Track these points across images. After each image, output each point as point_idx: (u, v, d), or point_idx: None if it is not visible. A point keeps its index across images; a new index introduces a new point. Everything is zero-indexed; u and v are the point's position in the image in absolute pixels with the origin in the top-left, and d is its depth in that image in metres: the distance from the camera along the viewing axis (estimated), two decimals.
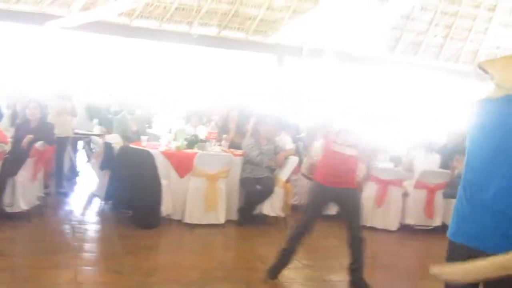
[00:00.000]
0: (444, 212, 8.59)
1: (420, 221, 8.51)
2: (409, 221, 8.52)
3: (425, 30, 14.19)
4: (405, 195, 8.53)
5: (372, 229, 8.29)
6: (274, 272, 5.52)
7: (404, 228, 8.48)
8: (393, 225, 8.42)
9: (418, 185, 8.44)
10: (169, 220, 7.40)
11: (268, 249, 5.56)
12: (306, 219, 5.64)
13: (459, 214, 3.06)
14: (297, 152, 8.82)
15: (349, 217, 5.59)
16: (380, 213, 8.39)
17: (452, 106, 14.57)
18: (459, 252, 3.04)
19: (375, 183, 8.42)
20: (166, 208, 7.34)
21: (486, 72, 3.11)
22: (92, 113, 11.32)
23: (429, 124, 11.20)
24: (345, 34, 13.37)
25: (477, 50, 14.86)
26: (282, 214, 8.00)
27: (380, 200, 8.37)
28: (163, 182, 7.31)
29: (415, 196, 8.46)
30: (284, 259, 5.56)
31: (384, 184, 8.39)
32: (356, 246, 5.56)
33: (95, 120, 11.41)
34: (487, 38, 14.73)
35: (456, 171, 8.75)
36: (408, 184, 8.55)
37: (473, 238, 2.99)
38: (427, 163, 8.59)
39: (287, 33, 13.15)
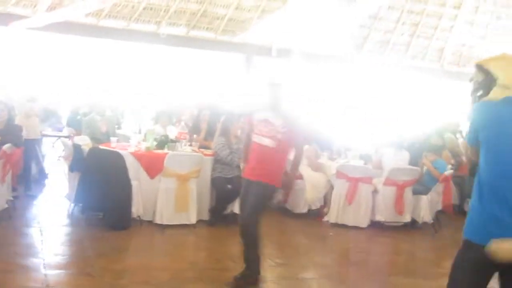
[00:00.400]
0: (414, 208, 8.70)
1: (390, 217, 8.60)
2: (379, 217, 8.59)
3: (392, 28, 14.35)
4: (375, 192, 8.61)
5: (343, 226, 8.36)
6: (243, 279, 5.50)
7: (375, 225, 8.56)
8: (364, 222, 8.48)
9: (388, 182, 8.52)
10: (139, 221, 7.35)
11: (240, 248, 5.55)
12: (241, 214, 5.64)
13: (485, 217, 3.00)
14: None
15: (243, 205, 5.48)
16: (350, 211, 8.45)
17: (420, 103, 14.77)
18: (484, 254, 2.97)
19: (346, 180, 8.48)
20: (137, 209, 7.29)
21: (485, 72, 3.15)
22: (45, 114, 11.18)
23: (398, 122, 11.33)
24: (314, 33, 13.45)
25: (443, 48, 15.09)
26: None
27: (350, 197, 8.43)
28: (133, 183, 7.26)
29: (384, 193, 8.54)
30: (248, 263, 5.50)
31: (354, 182, 8.46)
32: (242, 235, 5.39)
33: (48, 122, 11.25)
34: (453, 36, 14.97)
35: (425, 168, 8.88)
36: (378, 182, 8.63)
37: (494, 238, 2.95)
38: (396, 160, 8.69)
39: (256, 32, 13.17)
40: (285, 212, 8.87)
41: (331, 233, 8.15)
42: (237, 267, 5.58)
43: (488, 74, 3.15)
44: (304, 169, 8.88)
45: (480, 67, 3.19)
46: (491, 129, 3.02)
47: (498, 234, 2.90)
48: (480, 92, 3.20)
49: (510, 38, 15.50)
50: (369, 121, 12.83)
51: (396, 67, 14.65)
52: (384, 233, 8.36)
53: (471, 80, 3.32)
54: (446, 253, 7.62)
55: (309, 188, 8.72)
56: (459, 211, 9.51)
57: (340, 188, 8.51)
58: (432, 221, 8.72)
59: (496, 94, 3.06)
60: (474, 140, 3.09)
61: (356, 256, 7.33)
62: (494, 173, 2.98)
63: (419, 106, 14.53)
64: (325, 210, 8.78)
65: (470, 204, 3.09)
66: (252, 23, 12.96)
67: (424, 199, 8.65)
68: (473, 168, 3.25)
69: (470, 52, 15.50)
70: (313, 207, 8.87)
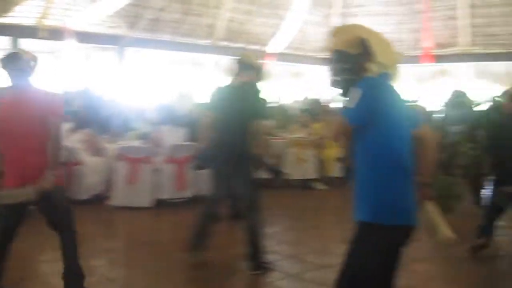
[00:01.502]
0: (195, 183, 8.92)
1: (174, 194, 8.74)
2: (163, 195, 8.70)
3: (163, 6, 14.39)
4: (156, 170, 8.68)
5: (127, 208, 8.32)
6: None
7: (159, 203, 8.65)
8: (148, 202, 8.54)
9: (168, 160, 8.65)
10: None
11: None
12: None
13: (395, 195, 2.98)
14: None
15: None
16: (133, 192, 8.43)
17: (193, 79, 15.08)
18: (399, 235, 3.01)
19: (127, 162, 8.44)
20: None
21: (365, 46, 3.04)
22: None
23: (172, 98, 11.46)
24: (86, 12, 13.03)
25: (213, 24, 15.52)
26: None
27: (132, 178, 8.41)
28: None
29: (166, 170, 8.66)
30: None
31: (135, 163, 8.45)
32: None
33: None
34: (222, 13, 15.47)
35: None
36: (159, 160, 8.71)
37: (413, 216, 3.03)
38: (175, 137, 8.83)
39: (22, 13, 12.40)
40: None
41: None
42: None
43: (368, 49, 3.04)
44: (82, 154, 8.67)
45: (363, 41, 3.04)
46: (393, 106, 2.99)
47: (411, 208, 3.01)
48: (350, 66, 3.07)
49: (276, 13, 16.48)
50: (147, 99, 12.78)
51: (169, 44, 14.78)
52: (169, 210, 8.48)
53: (336, 49, 3.14)
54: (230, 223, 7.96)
55: (89, 173, 8.53)
56: None
57: (122, 170, 8.46)
58: None
59: (376, 70, 3.01)
60: (365, 119, 2.93)
61: (144, 236, 7.33)
62: (399, 150, 2.98)
63: (194, 82, 14.84)
64: (108, 193, 8.66)
65: (371, 188, 2.99)
66: (18, 3, 12.15)
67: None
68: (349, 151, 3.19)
69: (239, 28, 16.16)
70: (95, 192, 8.70)
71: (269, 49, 16.93)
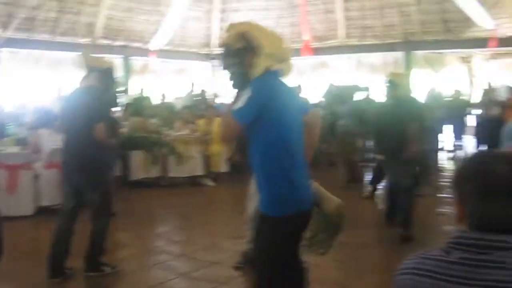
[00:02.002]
0: None
1: (57, 200, 8.45)
2: (45, 202, 8.41)
3: (38, 5, 13.91)
4: (36, 177, 8.38)
5: (6, 218, 7.92)
6: None
7: (42, 211, 8.35)
8: (29, 210, 8.22)
9: (48, 165, 8.36)
10: None
11: None
12: None
13: (290, 186, 3.04)
14: None
15: None
16: (12, 200, 8.06)
17: (73, 80, 14.68)
18: (295, 221, 3.08)
19: (4, 169, 8.08)
20: None
21: (248, 40, 3.09)
22: None
23: (50, 101, 11.12)
24: None
25: (91, 22, 15.18)
26: None
27: (11, 187, 8.06)
28: None
29: (46, 176, 8.37)
30: None
31: (13, 169, 8.11)
32: None
33: None
34: (101, 10, 15.16)
35: None
36: (38, 166, 8.41)
37: (306, 201, 3.13)
38: (54, 141, 8.53)
39: None
40: None
41: None
42: None
43: (250, 42, 3.09)
44: None
45: (243, 35, 3.11)
46: (281, 100, 3.06)
47: (304, 194, 3.11)
48: (236, 60, 3.13)
49: (157, 10, 16.36)
50: (24, 102, 12.31)
51: (46, 44, 14.31)
52: (52, 217, 8.15)
53: (223, 45, 3.22)
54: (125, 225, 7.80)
55: None
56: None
57: None
58: None
59: (265, 63, 3.07)
60: (254, 115, 2.99)
61: (24, 247, 7.04)
62: (289, 140, 3.07)
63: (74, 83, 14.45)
64: None
65: (264, 182, 3.09)
66: None
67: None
68: (244, 147, 3.26)
69: (119, 25, 15.91)
70: None
71: (151, 46, 16.79)
